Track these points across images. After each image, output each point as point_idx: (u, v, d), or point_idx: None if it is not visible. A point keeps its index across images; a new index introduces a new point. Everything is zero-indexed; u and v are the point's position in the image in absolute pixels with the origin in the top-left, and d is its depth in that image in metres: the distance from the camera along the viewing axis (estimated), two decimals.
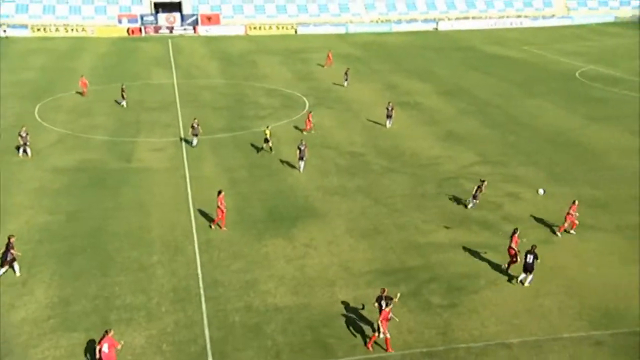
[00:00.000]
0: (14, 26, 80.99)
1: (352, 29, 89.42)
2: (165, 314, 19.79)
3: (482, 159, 34.36)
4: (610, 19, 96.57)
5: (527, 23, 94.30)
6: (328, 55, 62.12)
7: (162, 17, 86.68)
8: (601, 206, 27.19)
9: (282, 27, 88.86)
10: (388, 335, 17.89)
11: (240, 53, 70.12)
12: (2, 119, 41.18)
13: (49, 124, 40.56)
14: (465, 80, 54.86)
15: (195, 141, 36.10)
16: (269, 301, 20.56)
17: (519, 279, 21.55)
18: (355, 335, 18.87)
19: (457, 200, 28.64)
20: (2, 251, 21.58)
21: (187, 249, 24.00)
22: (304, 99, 48.16)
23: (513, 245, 22.08)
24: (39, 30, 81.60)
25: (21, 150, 34.06)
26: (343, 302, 20.49)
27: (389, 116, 40.06)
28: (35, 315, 19.66)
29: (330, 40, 78.83)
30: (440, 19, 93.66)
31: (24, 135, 34.12)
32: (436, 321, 19.49)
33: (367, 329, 19.08)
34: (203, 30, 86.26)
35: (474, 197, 27.42)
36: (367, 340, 18.50)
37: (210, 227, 25.63)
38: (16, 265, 21.88)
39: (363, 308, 19.88)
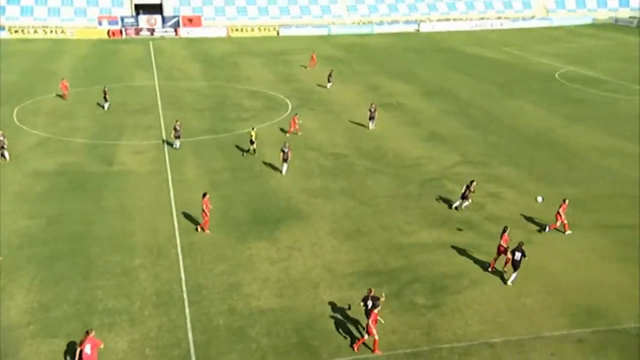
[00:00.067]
0: None
1: (334, 30, 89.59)
2: (148, 318, 19.63)
3: (464, 160, 34.60)
4: (588, 21, 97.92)
5: (507, 24, 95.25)
6: (312, 57, 62.23)
7: (143, 18, 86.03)
8: (581, 205, 27.50)
9: (264, 29, 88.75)
10: (376, 337, 17.92)
11: (222, 55, 69.88)
12: None
13: (28, 127, 40.02)
14: (447, 81, 55.24)
15: (177, 143, 35.89)
16: (253, 304, 20.48)
17: (512, 277, 21.69)
18: (340, 337, 18.86)
19: (443, 201, 28.79)
20: None
21: (170, 252, 23.83)
22: (287, 100, 48.12)
23: (503, 243, 22.27)
24: (16, 32, 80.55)
25: None
26: (327, 304, 20.48)
27: (371, 118, 40.17)
28: (15, 321, 19.37)
29: (312, 42, 78.88)
30: (421, 21, 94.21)
31: (1, 138, 33.64)
32: (420, 321, 19.57)
33: (352, 330, 19.11)
34: (184, 32, 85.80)
35: (464, 197, 27.51)
36: (355, 341, 18.50)
37: (197, 230, 25.47)
38: None
39: (349, 308, 19.90)
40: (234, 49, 74.41)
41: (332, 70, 54.06)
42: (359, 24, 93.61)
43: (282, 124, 41.25)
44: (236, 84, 54.22)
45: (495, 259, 22.59)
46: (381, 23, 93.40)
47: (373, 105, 40.77)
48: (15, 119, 41.88)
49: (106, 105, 44.84)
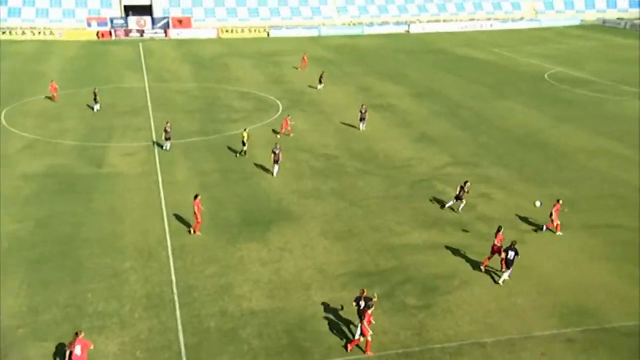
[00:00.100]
0: None
1: (325, 31, 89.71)
2: (139, 321, 19.53)
3: (455, 160, 34.73)
4: (577, 22, 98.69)
5: (497, 26, 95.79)
6: (303, 58, 62.27)
7: (133, 20, 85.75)
8: (570, 206, 27.64)
9: (255, 30, 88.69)
10: (369, 338, 17.92)
11: (212, 56, 69.74)
12: None
13: (16, 129, 39.73)
14: (437, 82, 55.44)
15: (168, 145, 35.77)
16: (244, 305, 20.44)
17: (504, 276, 21.81)
18: (331, 338, 18.86)
19: (434, 202, 28.88)
20: None
21: (161, 254, 23.73)
22: (277, 102, 48.10)
23: (497, 242, 22.37)
24: (4, 33, 79.99)
25: None
26: (318, 305, 20.47)
27: (362, 119, 40.23)
28: (4, 325, 19.19)
29: (302, 43, 78.91)
30: (411, 22, 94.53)
31: None
32: (411, 322, 19.60)
33: (344, 331, 19.11)
34: (174, 33, 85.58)
35: (458, 198, 27.56)
36: (347, 341, 18.50)
37: (190, 232, 25.37)
38: None
39: (342, 309, 19.89)
40: (224, 50, 74.28)
41: (323, 72, 54.11)
42: (349, 25, 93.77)
43: (273, 125, 41.22)
44: (226, 85, 54.12)
45: (489, 258, 22.68)
46: (371, 24, 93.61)
47: (364, 107, 40.83)
48: (3, 121, 41.56)
49: (96, 107, 44.63)
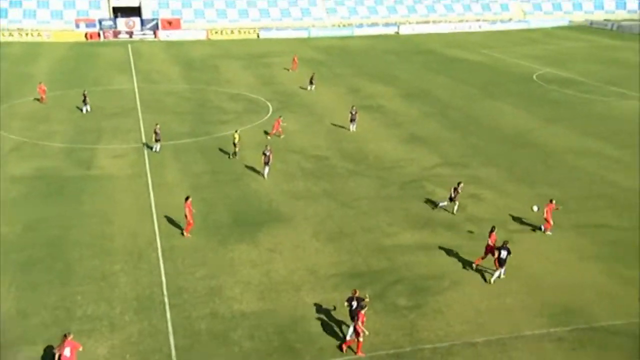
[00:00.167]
0: None
1: (315, 33, 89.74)
2: (129, 323, 19.43)
3: (444, 161, 34.85)
4: (565, 23, 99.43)
5: (486, 27, 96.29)
6: (293, 59, 62.31)
7: (121, 21, 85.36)
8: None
9: (244, 32, 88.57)
10: (361, 339, 17.94)
11: (202, 58, 69.57)
12: None
13: (4, 131, 39.41)
14: (427, 83, 55.63)
15: (158, 147, 35.63)
16: (235, 307, 20.39)
17: (495, 275, 21.93)
18: (322, 339, 18.85)
19: (424, 202, 28.95)
20: None
21: (151, 256, 23.62)
22: (268, 103, 48.06)
23: (490, 242, 22.48)
24: None
25: None
26: (310, 306, 20.46)
27: (352, 120, 40.28)
28: None
29: (292, 45, 78.92)
30: (401, 23, 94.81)
31: None
32: (402, 322, 19.64)
33: (335, 332, 19.11)
34: (164, 34, 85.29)
35: (451, 199, 27.63)
36: (341, 343, 18.48)
37: (183, 234, 25.25)
38: None
39: (335, 309, 19.89)
40: (214, 51, 74.12)
41: (314, 73, 54.14)
42: (338, 26, 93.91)
43: (263, 126, 41.18)
44: (216, 87, 54.00)
45: (482, 258, 22.79)
46: (361, 25, 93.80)
47: (354, 108, 40.90)
48: None
49: (85, 109, 44.39)
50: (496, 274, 21.96)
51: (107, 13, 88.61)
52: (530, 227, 26.34)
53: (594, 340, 18.78)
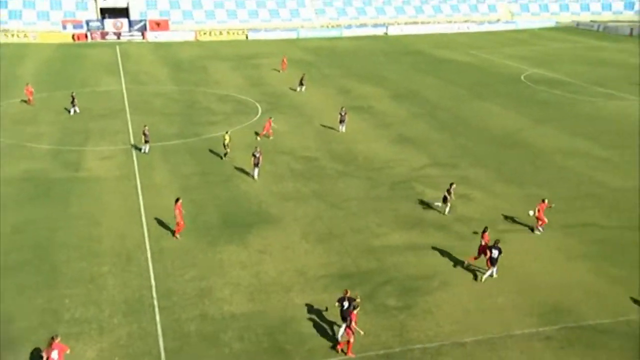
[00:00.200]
0: None
1: (303, 34, 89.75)
2: (118, 326, 19.30)
3: (434, 162, 34.96)
4: (552, 24, 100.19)
5: (474, 28, 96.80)
6: (283, 60, 62.31)
7: (109, 22, 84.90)
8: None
9: (233, 33, 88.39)
10: (351, 340, 17.93)
11: (191, 59, 69.34)
12: None
13: None
14: (416, 84, 55.80)
15: (147, 148, 35.47)
16: (225, 309, 20.32)
17: (487, 274, 22.04)
18: (312, 340, 18.83)
19: (413, 203, 29.00)
20: None
21: (140, 258, 23.48)
22: (257, 104, 47.98)
23: (483, 242, 22.59)
24: None
25: None
26: (299, 307, 20.43)
27: (342, 121, 40.30)
28: None
29: (281, 46, 78.89)
30: (390, 24, 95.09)
31: None
32: (392, 323, 19.67)
33: (325, 333, 19.09)
34: (152, 36, 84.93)
35: (444, 200, 27.68)
36: (334, 344, 18.47)
37: (175, 236, 25.11)
38: None
39: (327, 310, 19.88)
40: (202, 52, 73.91)
41: (304, 74, 54.12)
42: (327, 27, 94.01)
43: (252, 128, 41.11)
44: (205, 88, 53.84)
45: (475, 258, 22.89)
46: (350, 26, 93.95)
47: (343, 109, 40.93)
48: None
49: (72, 110, 44.09)
50: (488, 273, 22.10)
51: (94, 14, 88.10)
52: (519, 227, 26.47)
53: (582, 339, 18.92)
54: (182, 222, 24.95)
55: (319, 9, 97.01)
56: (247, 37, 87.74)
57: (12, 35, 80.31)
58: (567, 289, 21.68)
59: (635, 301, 20.86)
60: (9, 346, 18.27)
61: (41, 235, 25.22)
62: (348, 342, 17.97)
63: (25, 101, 46.87)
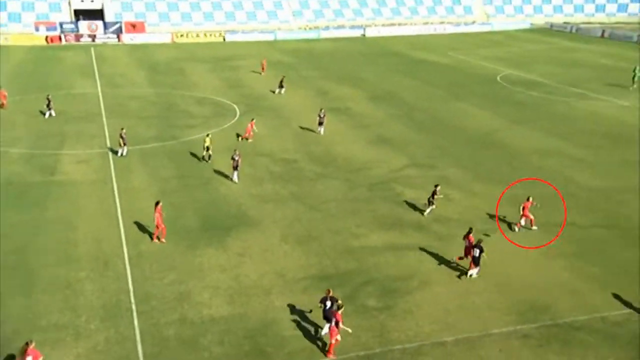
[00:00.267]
0: None
1: (281, 36, 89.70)
2: (95, 332, 19.05)
3: (412, 162, 35.17)
4: (526, 26, 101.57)
5: (450, 29, 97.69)
6: (262, 63, 62.20)
7: (84, 24, 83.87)
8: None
9: (210, 35, 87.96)
10: (333, 341, 17.91)
11: (167, 61, 68.83)
12: None
13: None
14: (393, 85, 56.09)
15: (125, 151, 35.11)
16: (205, 312, 20.18)
17: (470, 273, 22.28)
18: (293, 342, 18.79)
19: (392, 203, 29.13)
20: None
21: (117, 263, 23.22)
22: (235, 106, 47.79)
23: (468, 244, 22.77)
24: None
25: None
26: (280, 310, 20.38)
27: (320, 123, 40.33)
28: None
29: (259, 48, 78.73)
30: (367, 26, 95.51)
31: None
32: (372, 324, 19.72)
33: (306, 335, 19.07)
34: (128, 38, 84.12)
35: (429, 202, 27.80)
36: (315, 344, 18.46)
37: (161, 241, 24.84)
38: None
39: (310, 312, 19.85)
40: (179, 55, 73.41)
41: (284, 77, 54.05)
42: (305, 29, 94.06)
43: (231, 130, 40.92)
44: (183, 91, 53.46)
45: (460, 258, 23.08)
46: (327, 28, 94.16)
47: (322, 111, 40.96)
48: None
49: (48, 114, 43.47)
50: (470, 272, 22.25)
51: (68, 16, 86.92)
52: (497, 227, 26.75)
53: (559, 336, 19.17)
54: (162, 226, 24.72)
55: (296, 11, 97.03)
56: (224, 39, 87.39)
57: None
58: (544, 287, 21.96)
59: (616, 296, 21.21)
60: None
61: (17, 240, 24.78)
62: (330, 343, 17.95)
63: None
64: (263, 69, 61.33)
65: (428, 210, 27.79)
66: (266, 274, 22.61)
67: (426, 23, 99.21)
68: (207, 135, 35.29)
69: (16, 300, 20.60)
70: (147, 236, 25.25)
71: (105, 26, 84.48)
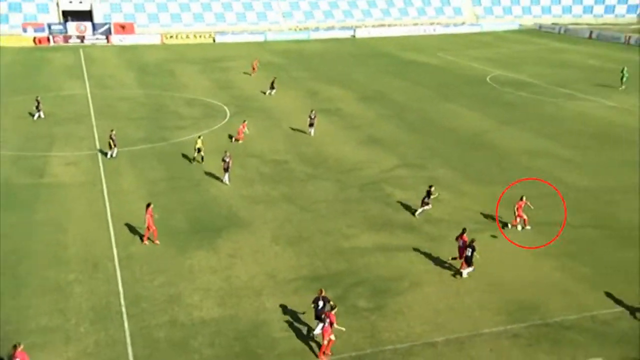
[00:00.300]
0: None
1: (271, 37, 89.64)
2: (85, 335, 18.93)
3: (402, 163, 35.25)
4: (515, 27, 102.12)
5: (440, 30, 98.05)
6: (253, 64, 62.15)
7: (72, 26, 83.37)
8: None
9: (200, 36, 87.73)
10: (326, 342, 17.89)
11: (157, 62, 68.57)
12: None
13: None
14: (383, 86, 56.21)
15: (114, 152, 34.94)
16: (195, 314, 20.12)
17: (464, 272, 22.39)
18: (284, 343, 18.77)
19: (383, 204, 29.17)
20: None
21: (107, 265, 23.09)
22: (225, 108, 47.69)
23: (461, 243, 22.86)
24: None
25: None
26: (270, 311, 20.36)
27: (311, 124, 40.33)
28: None
29: (249, 49, 78.62)
30: (357, 27, 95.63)
31: None
32: (363, 325, 19.74)
33: (297, 336, 19.06)
34: (117, 39, 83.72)
35: (424, 203, 27.84)
36: (306, 345, 18.44)
37: (154, 242, 24.72)
38: None
39: (304, 313, 19.82)
40: (169, 56, 73.17)
41: (275, 78, 54.02)
42: (295, 30, 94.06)
43: (221, 131, 40.83)
44: (172, 92, 53.29)
45: (454, 258, 23.19)
46: (317, 29, 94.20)
47: (313, 112, 40.97)
48: None
49: (37, 115, 43.19)
50: (468, 270, 22.36)
51: (56, 17, 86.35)
52: (487, 227, 26.86)
53: (549, 336, 19.29)
54: (154, 227, 24.62)
55: (286, 12, 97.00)
56: (214, 40, 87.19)
57: None
58: (534, 286, 22.08)
59: (607, 295, 21.36)
60: None
61: (6, 243, 24.58)
62: (322, 344, 17.93)
63: None
64: (254, 69, 61.28)
65: (420, 211, 27.85)
66: (257, 275, 22.58)
67: (416, 24, 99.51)
68: (199, 137, 35.18)
69: (5, 302, 20.44)
70: (137, 238, 25.14)
71: (94, 27, 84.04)
